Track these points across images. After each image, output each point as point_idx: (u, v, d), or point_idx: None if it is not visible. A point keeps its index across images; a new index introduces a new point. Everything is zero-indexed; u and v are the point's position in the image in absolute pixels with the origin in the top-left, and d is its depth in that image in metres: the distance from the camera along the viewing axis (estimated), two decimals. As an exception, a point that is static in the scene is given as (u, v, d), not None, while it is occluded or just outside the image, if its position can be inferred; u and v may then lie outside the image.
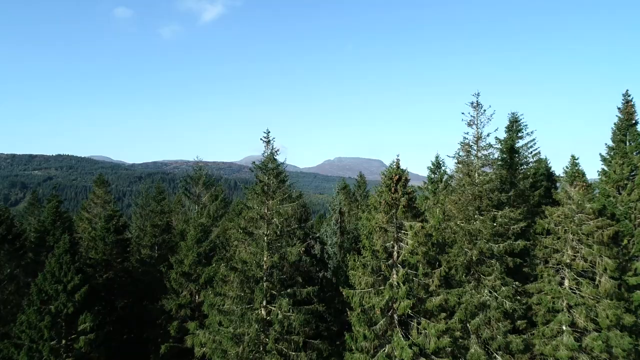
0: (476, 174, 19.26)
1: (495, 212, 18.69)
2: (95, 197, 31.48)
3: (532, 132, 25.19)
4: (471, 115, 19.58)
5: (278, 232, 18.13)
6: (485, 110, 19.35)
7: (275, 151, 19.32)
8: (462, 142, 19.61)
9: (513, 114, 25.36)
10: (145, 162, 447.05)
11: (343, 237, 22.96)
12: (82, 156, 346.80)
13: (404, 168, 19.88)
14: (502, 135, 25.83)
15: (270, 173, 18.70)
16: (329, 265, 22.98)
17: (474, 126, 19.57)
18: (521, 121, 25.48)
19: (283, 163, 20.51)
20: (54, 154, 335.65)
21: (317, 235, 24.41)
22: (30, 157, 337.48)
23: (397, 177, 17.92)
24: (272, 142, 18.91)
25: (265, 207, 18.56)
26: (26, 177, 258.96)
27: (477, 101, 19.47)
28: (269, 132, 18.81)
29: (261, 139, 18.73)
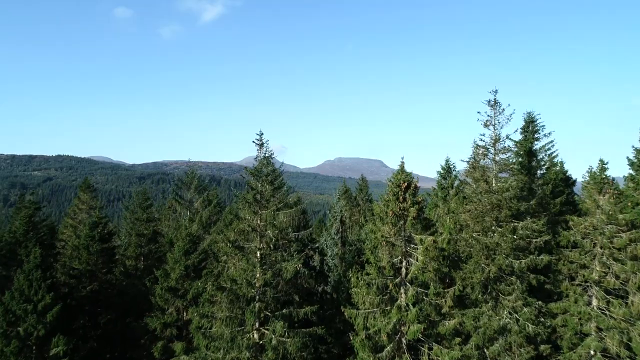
0: (494, 181, 17.24)
1: (516, 224, 16.67)
2: (80, 203, 29.47)
3: (549, 134, 23.18)
4: (488, 115, 17.59)
5: (272, 246, 16.17)
6: (504, 110, 17.36)
7: (270, 155, 17.37)
8: (477, 145, 17.61)
9: (529, 113, 23.35)
10: (146, 163, 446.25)
11: (344, 248, 21.02)
12: (82, 157, 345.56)
13: (410, 171, 18.03)
14: (517, 136, 23.81)
15: (264, 180, 16.73)
16: (330, 279, 21.04)
17: (491, 127, 17.57)
18: (538, 121, 23.47)
19: (281, 165, 18.57)
20: (54, 155, 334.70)
21: (317, 245, 22.45)
22: (30, 158, 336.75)
23: (406, 184, 15.94)
24: (265, 144, 16.96)
25: (258, 218, 16.59)
26: (26, 177, 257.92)
27: (494, 99, 17.47)
28: (262, 133, 16.86)
29: (254, 142, 16.78)
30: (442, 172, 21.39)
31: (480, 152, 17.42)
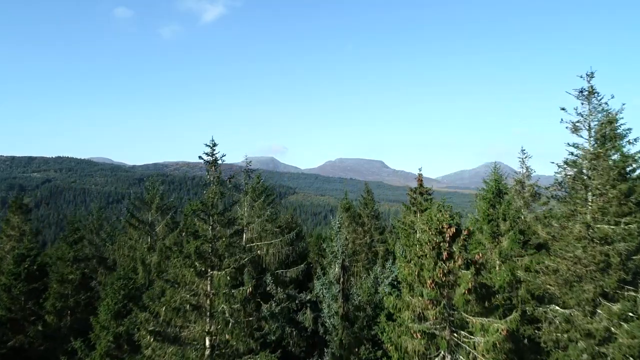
0: (591, 219, 10.60)
1: (633, 293, 10.03)
2: (8, 228, 22.91)
3: (636, 140, 16.39)
4: (579, 114, 10.97)
5: (228, 336, 9.64)
6: (606, 104, 10.75)
7: (230, 178, 10.85)
8: (565, 161, 10.97)
9: (607, 112, 16.61)
10: (146, 164, 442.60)
11: (347, 304, 14.60)
12: (82, 158, 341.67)
13: (447, 205, 11.60)
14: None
15: (217, 221, 10.19)
16: (327, 350, 14.52)
17: (584, 131, 10.96)
18: (619, 123, 16.71)
19: (262, 183, 12.12)
20: (53, 156, 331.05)
21: (308, 298, 15.92)
22: (30, 159, 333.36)
23: (454, 229, 9.42)
24: (220, 160, 10.37)
25: (207, 283, 10.10)
26: (25, 179, 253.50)
27: (590, 88, 10.86)
28: (214, 144, 10.24)
29: (200, 157, 10.22)
30: (489, 196, 14.73)
31: (571, 173, 10.76)
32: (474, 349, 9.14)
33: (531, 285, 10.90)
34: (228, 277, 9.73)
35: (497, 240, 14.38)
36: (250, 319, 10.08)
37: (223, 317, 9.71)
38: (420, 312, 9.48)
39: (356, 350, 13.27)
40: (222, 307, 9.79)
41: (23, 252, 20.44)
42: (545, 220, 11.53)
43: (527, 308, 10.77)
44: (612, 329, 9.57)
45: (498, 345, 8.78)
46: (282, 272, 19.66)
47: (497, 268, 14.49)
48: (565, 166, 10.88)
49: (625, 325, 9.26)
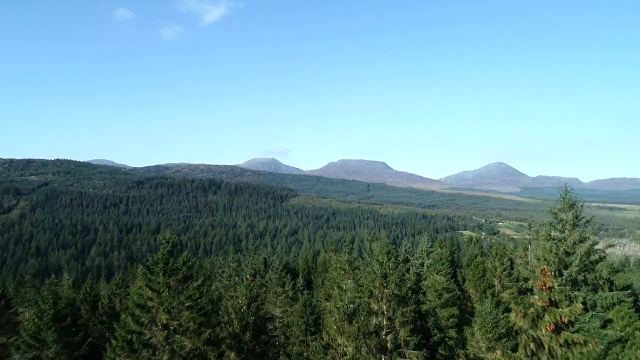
0: None
1: None
2: None
3: None
4: None
5: None
6: None
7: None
8: None
9: None
10: (147, 166, 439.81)
11: None
12: (82, 161, 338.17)
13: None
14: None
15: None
16: None
17: None
18: None
19: None
20: (52, 159, 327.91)
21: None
22: (28, 162, 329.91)
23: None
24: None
25: None
26: (22, 182, 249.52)
27: None
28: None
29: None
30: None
31: None
32: None
33: None
34: None
35: None
36: None
37: None
38: None
39: None
40: None
41: None
42: None
43: None
44: None
45: None
46: None
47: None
48: None
49: None
